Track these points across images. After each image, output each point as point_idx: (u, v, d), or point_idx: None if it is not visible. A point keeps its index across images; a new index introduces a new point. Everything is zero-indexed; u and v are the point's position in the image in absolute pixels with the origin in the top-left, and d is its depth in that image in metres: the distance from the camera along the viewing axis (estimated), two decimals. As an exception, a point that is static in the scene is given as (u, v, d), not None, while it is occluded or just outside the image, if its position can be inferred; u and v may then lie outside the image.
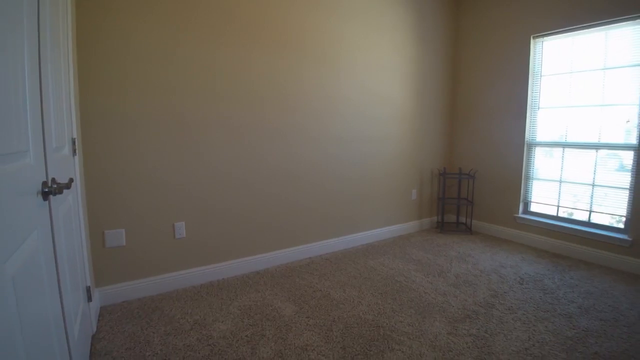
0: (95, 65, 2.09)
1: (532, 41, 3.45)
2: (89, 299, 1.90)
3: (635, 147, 2.87)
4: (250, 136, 2.70)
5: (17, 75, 0.98)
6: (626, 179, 2.95)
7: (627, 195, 2.94)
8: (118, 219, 2.24)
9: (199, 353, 1.79)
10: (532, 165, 3.58)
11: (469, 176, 3.93)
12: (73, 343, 1.39)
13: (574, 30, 3.16)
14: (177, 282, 2.48)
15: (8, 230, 0.83)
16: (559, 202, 3.41)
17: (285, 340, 1.90)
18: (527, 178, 3.62)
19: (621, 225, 3.02)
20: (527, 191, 3.64)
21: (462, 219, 4.19)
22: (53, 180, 1.27)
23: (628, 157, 2.94)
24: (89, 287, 1.91)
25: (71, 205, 1.69)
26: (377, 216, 3.64)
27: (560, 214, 3.40)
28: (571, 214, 3.34)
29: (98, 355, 1.75)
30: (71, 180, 1.42)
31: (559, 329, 2.02)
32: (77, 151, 1.93)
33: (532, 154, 3.57)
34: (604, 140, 3.08)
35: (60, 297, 1.28)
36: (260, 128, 2.75)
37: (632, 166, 2.90)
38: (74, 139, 1.88)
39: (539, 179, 3.56)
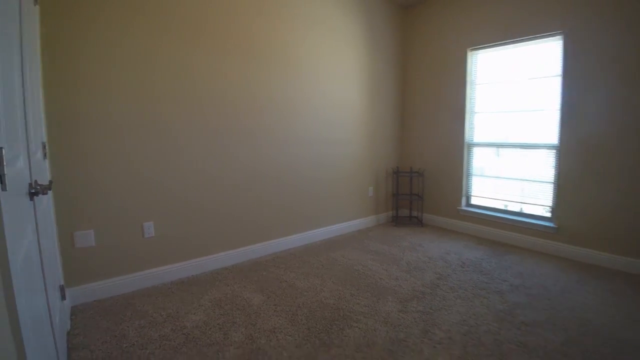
0: (63, 69, 2.14)
1: (468, 53, 3.87)
2: (63, 297, 1.96)
3: (557, 147, 3.33)
4: (220, 137, 2.84)
5: (14, 83, 1.10)
6: (551, 174, 3.42)
7: (552, 188, 3.41)
8: (87, 220, 2.30)
9: (174, 342, 1.92)
10: (471, 163, 4.02)
11: (419, 174, 4.31)
12: (57, 334, 1.49)
13: (504, 45, 3.60)
14: (148, 280, 2.57)
15: (17, 223, 0.97)
16: (495, 196, 3.86)
17: (255, 325, 2.08)
18: (468, 175, 4.05)
19: (548, 214, 3.49)
20: (468, 186, 4.08)
21: (415, 213, 4.57)
22: (36, 182, 1.38)
23: (551, 155, 3.40)
24: (62, 285, 1.98)
25: (45, 206, 1.77)
26: (338, 212, 3.90)
27: (497, 206, 3.85)
28: (506, 205, 3.80)
29: (76, 350, 1.83)
30: (51, 182, 1.52)
31: (492, 303, 2.37)
32: (46, 154, 1.99)
33: (472, 154, 4.01)
34: (531, 141, 3.54)
35: (46, 290, 1.39)
36: (230, 129, 2.91)
37: (555, 163, 3.37)
38: (44, 142, 1.94)
39: (478, 175, 4.00)
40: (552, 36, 3.27)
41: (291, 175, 3.40)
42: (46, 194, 1.35)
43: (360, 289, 2.56)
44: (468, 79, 3.91)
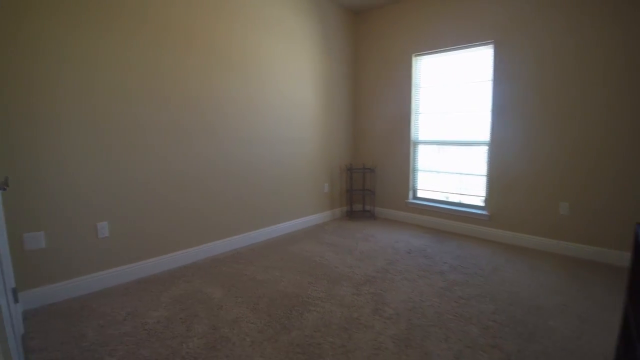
0: (11, 66, 2.07)
1: (413, 58, 4.20)
2: (15, 300, 1.91)
3: (488, 143, 3.74)
4: (184, 135, 2.86)
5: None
6: (484, 168, 3.82)
7: (485, 180, 3.82)
8: (37, 221, 2.24)
9: (137, 337, 1.95)
10: (417, 159, 4.36)
11: (371, 170, 4.58)
12: (17, 335, 1.48)
13: (445, 51, 3.96)
14: (104, 281, 2.54)
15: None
16: (438, 189, 4.23)
17: (218, 316, 2.16)
18: (414, 170, 4.39)
19: (482, 204, 3.90)
20: (414, 181, 4.42)
21: (367, 207, 4.84)
22: (-9, 180, 1.37)
23: (484, 151, 3.81)
24: (14, 288, 1.92)
25: (-6, 207, 1.72)
26: (296, 208, 4.05)
27: (440, 198, 4.22)
28: (447, 197, 4.17)
29: (33, 352, 1.80)
30: (7, 178, 1.51)
31: (434, 282, 2.65)
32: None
33: (417, 151, 4.35)
34: (468, 139, 3.93)
35: (6, 291, 1.39)
36: (194, 128, 2.95)
37: (487, 158, 3.78)
38: (-9, 142, 1.88)
39: (423, 171, 4.35)
40: (485, 45, 3.65)
41: (251, 173, 3.49)
42: (5, 189, 1.35)
43: (318, 277, 2.72)
44: (413, 82, 4.24)
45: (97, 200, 2.48)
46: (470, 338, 1.92)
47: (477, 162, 3.89)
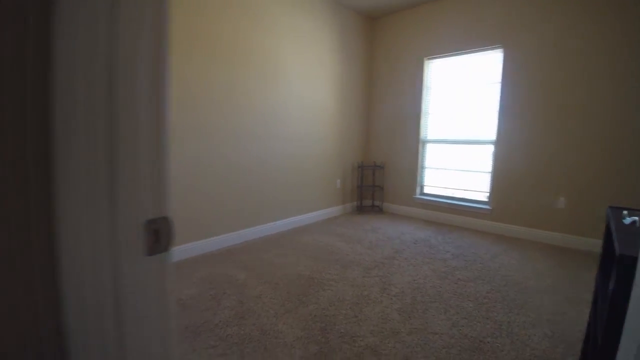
0: None
1: (425, 61, 4.44)
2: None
3: (494, 142, 3.96)
4: (206, 136, 3.16)
5: None
6: (489, 165, 4.05)
7: (490, 176, 4.04)
8: None
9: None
10: (425, 157, 4.61)
11: (380, 167, 4.84)
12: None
13: (455, 55, 4.19)
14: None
15: None
16: (444, 185, 4.47)
17: (243, 293, 2.46)
18: (422, 167, 4.64)
19: (486, 199, 4.12)
20: (421, 177, 4.67)
21: (376, 202, 5.10)
22: None
23: (490, 149, 4.03)
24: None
25: None
26: (309, 203, 4.33)
27: (445, 193, 4.46)
28: (453, 193, 4.41)
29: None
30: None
31: (437, 267, 2.90)
32: None
33: (425, 149, 4.60)
34: (474, 137, 4.16)
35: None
36: (215, 128, 3.23)
37: (492, 155, 4.00)
38: None
39: (430, 168, 4.60)
40: (494, 49, 3.87)
41: (268, 168, 3.77)
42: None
43: (330, 263, 3.00)
44: (424, 83, 4.48)
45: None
46: (466, 311, 2.18)
47: (482, 159, 4.12)
